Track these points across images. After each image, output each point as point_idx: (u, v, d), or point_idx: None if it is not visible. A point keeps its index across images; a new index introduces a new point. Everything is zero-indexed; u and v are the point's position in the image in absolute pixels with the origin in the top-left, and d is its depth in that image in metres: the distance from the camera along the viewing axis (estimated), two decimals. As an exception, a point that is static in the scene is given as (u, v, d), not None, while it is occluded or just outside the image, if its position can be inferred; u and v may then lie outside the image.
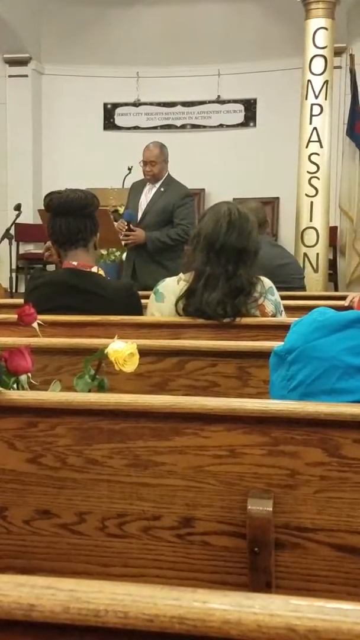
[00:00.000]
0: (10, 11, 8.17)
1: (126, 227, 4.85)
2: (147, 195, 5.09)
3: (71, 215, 2.66)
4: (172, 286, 2.67)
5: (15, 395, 1.52)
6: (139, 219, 4.99)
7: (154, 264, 4.90)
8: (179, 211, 5.00)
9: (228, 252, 2.52)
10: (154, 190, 5.10)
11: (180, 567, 1.42)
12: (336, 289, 8.05)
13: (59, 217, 2.68)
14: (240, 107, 8.92)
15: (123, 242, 4.88)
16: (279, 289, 2.77)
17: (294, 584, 1.38)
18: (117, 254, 5.73)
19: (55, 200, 2.68)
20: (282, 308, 2.73)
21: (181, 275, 2.67)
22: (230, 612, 0.64)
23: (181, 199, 5.03)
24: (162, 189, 5.08)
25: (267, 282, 2.66)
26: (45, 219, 2.84)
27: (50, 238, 2.78)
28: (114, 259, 5.85)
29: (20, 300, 2.95)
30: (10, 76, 8.83)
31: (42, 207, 2.93)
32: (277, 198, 8.64)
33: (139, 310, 2.77)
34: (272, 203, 8.64)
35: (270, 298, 2.64)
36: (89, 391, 1.75)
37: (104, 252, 5.65)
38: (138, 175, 5.36)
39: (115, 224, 4.78)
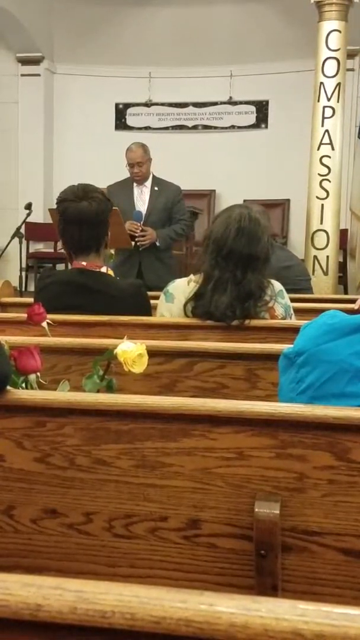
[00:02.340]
0: (23, 10, 8.19)
1: (140, 228, 4.87)
2: (142, 196, 5.14)
3: (85, 225, 2.65)
4: (182, 287, 2.67)
5: (24, 394, 1.52)
6: (142, 219, 5.02)
7: (158, 262, 4.98)
8: (177, 207, 5.14)
9: (236, 258, 2.51)
10: (147, 190, 5.14)
11: (186, 568, 1.42)
12: (346, 292, 8.02)
13: (71, 225, 2.66)
14: (252, 108, 8.91)
15: (139, 243, 4.89)
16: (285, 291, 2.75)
17: (300, 588, 1.37)
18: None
19: (70, 210, 2.64)
20: (292, 311, 2.72)
21: (192, 276, 2.67)
22: (237, 616, 0.64)
23: (178, 196, 5.17)
24: (155, 188, 5.13)
25: (277, 285, 2.65)
26: (56, 219, 2.84)
27: (62, 241, 2.78)
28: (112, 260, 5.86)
29: (30, 299, 2.96)
30: (22, 75, 8.86)
31: (53, 207, 2.93)
32: (288, 200, 8.63)
33: (148, 310, 2.77)
34: (282, 205, 8.63)
35: (280, 301, 2.64)
36: (98, 391, 1.75)
37: (112, 251, 5.66)
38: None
39: (127, 223, 4.79)
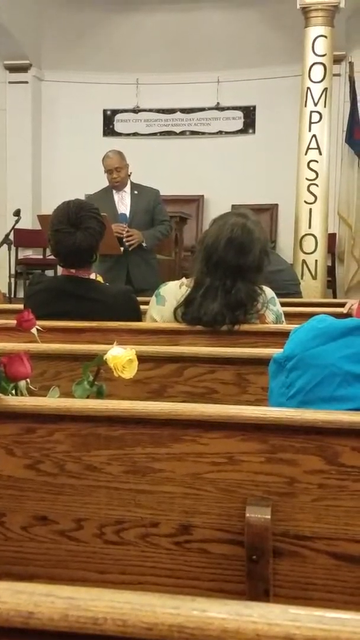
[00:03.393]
0: (11, 18, 8.19)
1: (127, 230, 4.90)
2: (122, 201, 5.20)
3: (79, 254, 2.67)
4: (174, 290, 2.66)
5: (14, 401, 1.52)
6: (127, 222, 5.07)
7: (144, 264, 5.05)
8: (159, 209, 5.23)
9: (225, 268, 2.51)
10: (127, 195, 5.21)
11: (178, 574, 1.42)
12: (335, 296, 8.05)
13: (64, 253, 2.68)
14: (240, 114, 8.94)
15: (127, 244, 4.91)
16: None
17: (292, 593, 1.37)
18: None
19: (64, 242, 2.64)
20: (283, 319, 2.71)
21: (184, 279, 2.67)
22: (229, 621, 0.64)
23: (157, 198, 5.26)
24: (135, 192, 5.21)
25: (269, 292, 2.65)
26: (46, 226, 2.84)
27: (52, 254, 2.79)
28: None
29: (19, 306, 2.96)
30: (10, 82, 8.85)
31: (42, 213, 2.93)
32: (276, 205, 8.66)
33: (138, 315, 2.77)
34: (271, 210, 8.65)
35: (271, 308, 2.63)
36: (88, 397, 1.75)
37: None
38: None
39: (113, 226, 4.81)
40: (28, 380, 1.72)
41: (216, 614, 0.65)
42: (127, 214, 5.11)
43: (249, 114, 8.91)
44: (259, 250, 2.54)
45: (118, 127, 9.16)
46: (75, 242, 2.60)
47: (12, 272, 7.00)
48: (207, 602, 0.67)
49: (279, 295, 2.83)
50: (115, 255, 4.84)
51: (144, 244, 4.99)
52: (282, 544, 1.37)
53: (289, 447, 1.37)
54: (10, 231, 5.82)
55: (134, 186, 5.24)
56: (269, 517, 1.35)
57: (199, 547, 1.41)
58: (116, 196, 5.19)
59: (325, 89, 6.33)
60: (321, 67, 6.31)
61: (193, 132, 9.07)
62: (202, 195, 8.85)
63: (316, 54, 6.30)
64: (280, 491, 1.38)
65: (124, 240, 4.91)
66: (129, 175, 5.23)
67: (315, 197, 6.36)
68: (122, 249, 4.89)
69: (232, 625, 0.64)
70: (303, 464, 1.37)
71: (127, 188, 5.21)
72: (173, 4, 8.48)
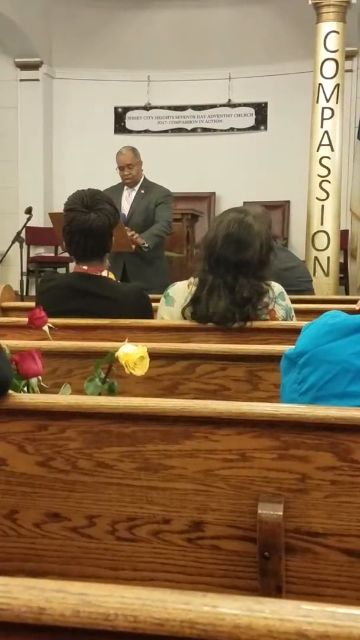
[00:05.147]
0: (22, 16, 8.21)
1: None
2: (127, 199, 5.18)
3: (91, 237, 2.63)
4: (183, 290, 2.66)
5: (26, 398, 1.52)
6: (125, 221, 5.02)
7: (145, 264, 4.97)
8: (159, 208, 5.11)
9: (225, 264, 2.50)
10: (134, 193, 5.18)
11: (190, 571, 1.42)
12: (347, 293, 8.02)
13: (77, 235, 2.65)
14: (251, 110, 8.92)
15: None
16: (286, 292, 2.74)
17: (305, 589, 1.37)
18: None
19: (77, 221, 2.62)
20: (293, 313, 2.71)
21: (192, 279, 2.67)
22: (241, 617, 0.64)
23: (162, 197, 5.15)
24: (142, 191, 5.17)
25: (277, 287, 2.64)
26: (57, 223, 2.84)
27: (65, 246, 2.78)
28: None
29: (31, 304, 2.96)
30: (21, 80, 8.87)
31: (53, 211, 2.92)
32: (288, 202, 8.64)
33: (150, 313, 2.77)
34: (282, 207, 8.63)
35: (280, 303, 2.63)
36: (99, 394, 1.75)
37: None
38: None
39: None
40: (40, 377, 1.73)
41: (227, 610, 0.65)
42: (127, 212, 5.08)
43: (260, 110, 8.89)
44: (259, 245, 2.52)
45: (129, 124, 9.16)
46: (88, 220, 2.59)
47: (24, 270, 7.03)
48: (218, 597, 0.66)
49: (291, 292, 2.82)
50: (112, 253, 4.82)
51: (145, 245, 4.90)
52: (294, 541, 1.37)
53: (301, 443, 1.37)
54: (22, 229, 5.84)
55: (145, 185, 5.19)
56: (281, 513, 1.34)
57: (211, 544, 1.41)
58: (125, 193, 5.17)
59: (337, 85, 6.30)
60: (333, 63, 6.28)
61: (204, 129, 9.06)
62: (214, 193, 8.84)
63: (328, 50, 6.28)
64: (293, 488, 1.37)
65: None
66: (142, 172, 5.21)
67: (328, 193, 6.34)
68: (133, 246, 4.88)
69: (244, 621, 0.64)
70: (315, 461, 1.36)
71: (138, 186, 5.19)
72: (183, 1, 8.47)
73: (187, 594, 0.67)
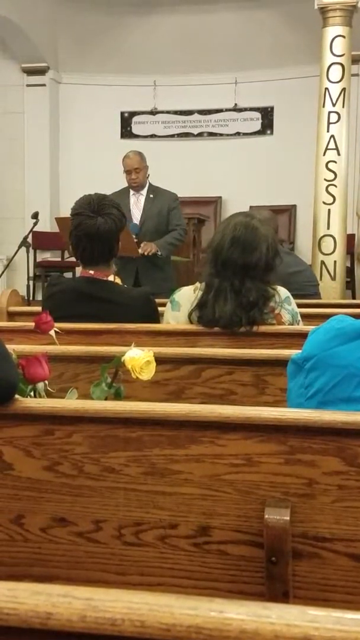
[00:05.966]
0: (28, 21, 8.24)
1: (135, 240, 4.93)
2: (137, 204, 5.20)
3: (97, 241, 2.64)
4: (188, 295, 2.66)
5: (32, 402, 1.52)
6: (138, 229, 5.07)
7: (155, 269, 5.02)
8: (173, 214, 5.17)
9: (232, 267, 2.51)
10: (142, 198, 5.20)
11: (197, 576, 1.42)
12: (354, 297, 8.01)
13: (84, 240, 2.65)
14: (257, 115, 8.93)
15: (142, 251, 4.92)
16: (292, 296, 2.74)
17: (312, 594, 1.36)
18: None
19: (84, 225, 2.62)
20: (299, 318, 2.71)
21: (197, 284, 2.67)
22: (247, 622, 0.64)
23: (173, 202, 5.21)
24: (151, 196, 5.20)
25: (283, 291, 2.64)
26: (64, 228, 2.84)
27: (72, 250, 2.78)
28: None
29: (37, 308, 2.97)
30: (28, 85, 8.90)
31: (60, 216, 2.93)
32: (294, 206, 8.64)
33: (156, 318, 2.78)
34: (289, 211, 8.63)
35: (287, 307, 2.63)
36: (106, 399, 1.75)
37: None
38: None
39: None
40: (46, 382, 1.73)
41: (234, 615, 0.65)
42: (139, 217, 5.11)
43: (266, 114, 8.90)
44: (265, 248, 2.53)
45: (135, 129, 9.18)
46: (95, 224, 2.60)
47: (31, 274, 7.05)
48: (225, 603, 0.66)
49: (297, 296, 2.82)
50: (125, 258, 4.86)
51: (158, 253, 4.98)
52: (301, 546, 1.36)
53: (307, 448, 1.37)
54: (29, 234, 5.85)
55: (152, 189, 5.23)
56: (288, 518, 1.34)
57: (217, 549, 1.40)
58: (132, 198, 5.19)
59: (344, 89, 6.31)
60: (339, 67, 6.29)
61: (211, 134, 9.07)
62: (220, 197, 8.84)
63: (334, 54, 6.28)
64: (299, 492, 1.37)
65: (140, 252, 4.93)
66: (147, 177, 5.24)
67: (334, 197, 6.34)
68: (140, 251, 4.90)
69: (251, 626, 0.64)
70: (322, 465, 1.36)
71: (145, 190, 5.21)
72: (189, 5, 8.48)
73: (193, 599, 0.67)
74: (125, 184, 5.26)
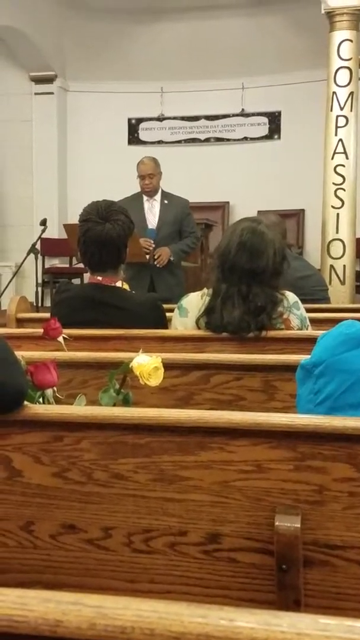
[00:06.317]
0: (35, 30, 8.28)
1: (152, 246, 4.96)
2: (152, 210, 5.23)
3: (106, 247, 2.64)
4: (196, 301, 2.66)
5: (41, 409, 1.52)
6: (154, 234, 5.10)
7: (169, 275, 5.07)
8: (187, 221, 5.24)
9: (238, 273, 2.50)
10: (157, 204, 5.24)
11: (206, 583, 1.41)
12: (363, 302, 7.98)
13: (92, 246, 2.65)
14: (265, 119, 8.93)
15: (157, 264, 4.97)
16: (301, 301, 2.73)
17: (323, 602, 1.35)
18: None
19: (92, 231, 2.62)
20: (308, 322, 2.70)
21: (205, 290, 2.67)
22: (258, 631, 0.63)
23: (187, 209, 5.28)
24: (165, 202, 5.24)
25: (291, 296, 2.64)
26: (72, 234, 2.84)
27: (80, 256, 2.78)
28: None
29: (46, 315, 2.97)
30: (36, 94, 8.95)
31: (68, 222, 2.93)
32: (303, 210, 8.63)
33: (164, 324, 2.77)
34: (297, 215, 8.62)
35: (295, 312, 2.62)
36: (114, 405, 1.75)
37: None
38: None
39: (141, 240, 4.85)
40: (55, 388, 1.73)
41: (244, 624, 0.64)
42: (155, 224, 5.13)
43: (274, 119, 8.90)
44: (272, 253, 2.53)
45: (143, 135, 9.20)
46: (104, 230, 2.60)
47: (39, 281, 7.05)
48: (235, 611, 0.66)
49: (306, 301, 2.81)
50: (139, 265, 4.87)
51: (171, 259, 5.02)
52: (312, 553, 1.36)
53: (317, 454, 1.36)
54: (37, 241, 5.86)
55: (165, 195, 5.26)
56: (298, 525, 1.33)
57: (228, 556, 1.40)
58: (146, 204, 5.22)
59: (352, 93, 6.30)
60: (347, 71, 6.28)
61: (218, 139, 9.08)
62: (228, 202, 8.85)
63: (342, 58, 6.28)
64: (310, 499, 1.36)
65: (155, 262, 4.96)
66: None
67: (343, 201, 6.33)
68: (147, 257, 4.91)
69: (261, 635, 0.63)
70: (332, 472, 1.35)
71: (158, 196, 5.24)
72: (196, 12, 8.50)
73: (203, 607, 0.67)
74: (135, 190, 5.28)
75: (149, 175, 5.16)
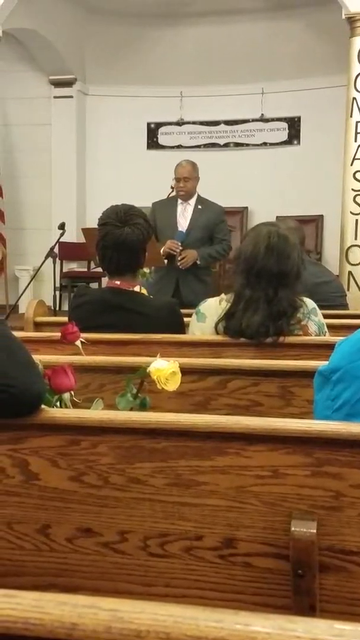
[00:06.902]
0: (55, 33, 8.33)
1: (180, 248, 4.94)
2: (184, 214, 5.21)
3: (124, 251, 2.65)
4: (214, 306, 2.66)
5: (58, 413, 1.53)
6: (183, 237, 5.08)
7: (196, 280, 5.04)
8: (219, 227, 5.20)
9: (267, 276, 2.50)
10: (190, 208, 5.22)
11: (222, 588, 1.41)
12: (381, 308, 7.94)
13: (110, 250, 2.66)
14: (284, 125, 8.92)
15: (180, 265, 4.95)
16: (319, 307, 2.72)
17: (339, 608, 1.35)
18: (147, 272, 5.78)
19: (111, 235, 2.63)
20: (325, 329, 2.69)
21: (223, 295, 2.67)
22: (273, 636, 0.64)
23: (221, 216, 5.26)
24: (199, 207, 5.22)
25: (310, 303, 2.63)
26: (90, 238, 2.85)
27: (98, 259, 2.79)
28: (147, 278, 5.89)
29: (64, 319, 2.98)
30: (55, 97, 8.99)
31: (86, 226, 2.94)
32: (322, 216, 8.60)
33: (182, 328, 2.77)
34: (316, 221, 8.59)
35: (313, 319, 2.61)
36: (131, 409, 1.75)
37: (146, 270, 5.69)
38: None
39: (168, 242, 4.85)
40: (72, 392, 1.74)
41: (260, 628, 0.64)
42: (185, 226, 5.13)
43: (293, 125, 8.89)
44: (297, 255, 2.55)
45: (162, 140, 9.22)
46: (122, 234, 2.61)
47: (57, 285, 7.08)
48: (250, 616, 0.66)
49: (324, 307, 2.80)
50: (165, 268, 4.87)
51: (197, 262, 5.01)
52: (328, 559, 1.35)
53: (334, 460, 1.35)
54: (55, 244, 5.89)
55: (200, 200, 5.25)
56: (314, 531, 1.33)
57: (243, 561, 1.40)
58: (180, 207, 5.22)
59: (371, 99, 6.28)
60: (367, 77, 6.26)
61: (237, 144, 9.08)
62: (247, 207, 8.84)
63: (362, 64, 6.26)
64: (326, 505, 1.36)
65: (179, 262, 4.94)
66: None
67: (362, 208, 6.30)
68: (165, 261, 4.91)
69: (276, 639, 0.63)
70: (349, 478, 1.35)
71: (193, 201, 5.23)
72: (214, 16, 8.52)
73: (219, 611, 0.67)
74: (156, 194, 5.28)
75: (184, 179, 5.17)
